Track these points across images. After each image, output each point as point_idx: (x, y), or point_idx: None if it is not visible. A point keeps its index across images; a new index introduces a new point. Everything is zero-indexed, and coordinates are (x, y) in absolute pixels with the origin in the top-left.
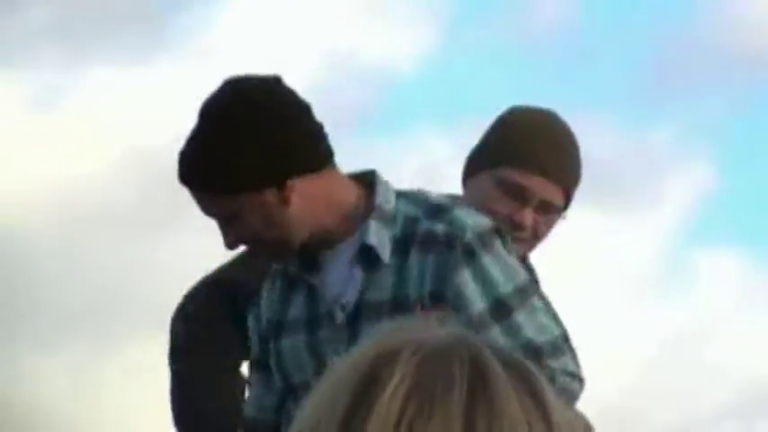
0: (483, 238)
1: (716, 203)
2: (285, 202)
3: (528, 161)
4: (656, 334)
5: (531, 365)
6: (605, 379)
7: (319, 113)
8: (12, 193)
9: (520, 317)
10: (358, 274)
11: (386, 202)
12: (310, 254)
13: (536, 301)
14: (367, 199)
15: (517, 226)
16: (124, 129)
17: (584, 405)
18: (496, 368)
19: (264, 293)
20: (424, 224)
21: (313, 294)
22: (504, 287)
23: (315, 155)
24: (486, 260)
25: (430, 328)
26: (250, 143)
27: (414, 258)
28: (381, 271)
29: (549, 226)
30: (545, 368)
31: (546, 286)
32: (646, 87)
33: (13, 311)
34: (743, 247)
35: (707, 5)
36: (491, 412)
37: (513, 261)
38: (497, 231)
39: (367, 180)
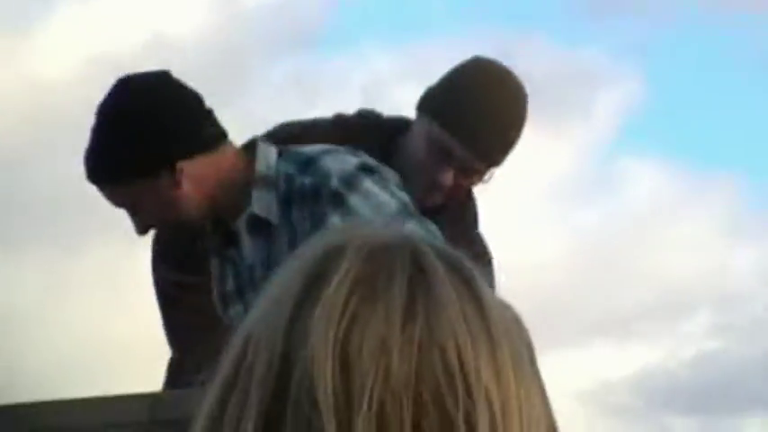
0: (348, 180)
1: (642, 115)
2: (177, 184)
3: (461, 131)
4: (581, 237)
5: (471, 266)
6: (533, 276)
7: (275, 31)
8: None
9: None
10: (257, 243)
11: (267, 167)
12: (227, 228)
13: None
14: (252, 168)
15: (434, 185)
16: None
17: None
18: (436, 264)
19: (212, 269)
20: (298, 180)
21: (236, 266)
22: None
23: (200, 137)
24: (355, 201)
25: (375, 228)
26: (135, 133)
27: (296, 215)
28: (276, 234)
29: (468, 187)
30: None
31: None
32: (577, 11)
33: None
34: (665, 156)
35: None
36: (430, 303)
37: (385, 194)
38: (364, 168)
39: (251, 150)
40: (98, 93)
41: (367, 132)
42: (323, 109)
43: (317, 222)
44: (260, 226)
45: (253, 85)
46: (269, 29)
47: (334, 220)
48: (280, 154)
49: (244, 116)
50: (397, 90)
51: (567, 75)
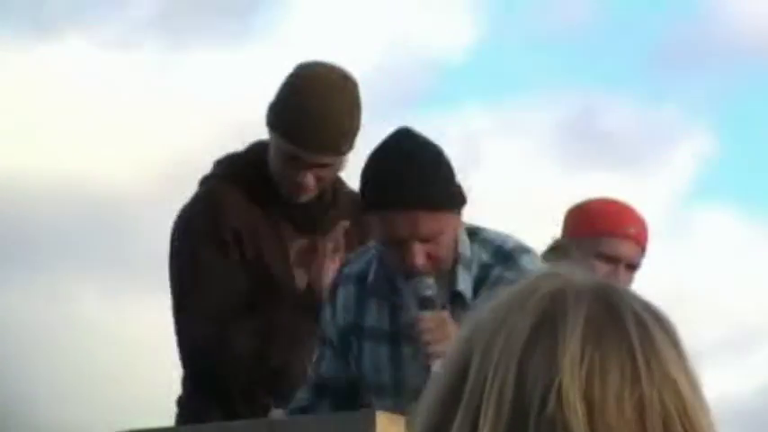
0: None
1: (714, 168)
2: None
3: (295, 135)
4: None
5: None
6: None
7: (383, 93)
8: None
9: None
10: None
11: (466, 249)
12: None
13: None
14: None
15: (299, 187)
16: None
17: None
18: (636, 307)
19: (341, 294)
20: (496, 270)
21: (395, 312)
22: None
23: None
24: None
25: (577, 273)
26: (452, 172)
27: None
28: (465, 310)
29: (334, 172)
30: None
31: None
32: (653, 70)
33: None
34: (737, 205)
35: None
36: (652, 352)
37: None
38: None
39: None
40: None
41: (254, 162)
42: None
43: None
44: (458, 303)
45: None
46: (378, 90)
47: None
48: (468, 235)
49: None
50: (494, 143)
51: (647, 129)
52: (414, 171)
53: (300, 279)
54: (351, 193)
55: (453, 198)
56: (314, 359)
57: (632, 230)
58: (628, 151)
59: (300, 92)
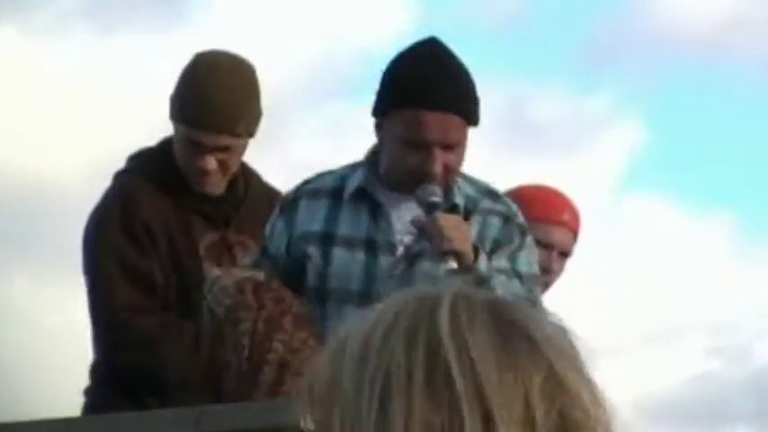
0: (526, 226)
1: (643, 157)
2: None
3: (194, 120)
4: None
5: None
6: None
7: (313, 82)
8: None
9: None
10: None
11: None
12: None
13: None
14: None
15: (202, 173)
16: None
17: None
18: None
19: (303, 205)
20: (485, 203)
21: (376, 221)
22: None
23: None
24: (529, 241)
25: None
26: (476, 86)
27: (475, 221)
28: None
29: (237, 157)
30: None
31: None
32: (582, 65)
33: None
34: (667, 193)
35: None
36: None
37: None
38: None
39: None
40: None
41: (165, 156)
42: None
43: (507, 233)
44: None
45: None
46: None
47: (522, 250)
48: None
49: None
50: None
51: (576, 120)
52: (454, 76)
53: (210, 273)
54: (267, 187)
55: (478, 113)
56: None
57: (566, 217)
58: (558, 141)
59: (194, 77)
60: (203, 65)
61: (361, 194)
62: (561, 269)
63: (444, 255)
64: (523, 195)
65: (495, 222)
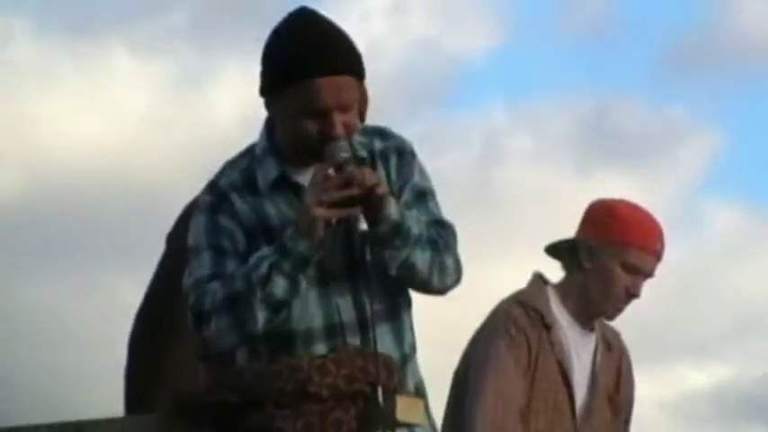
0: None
1: (722, 164)
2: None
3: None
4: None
5: None
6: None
7: (407, 92)
8: None
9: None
10: None
11: None
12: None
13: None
14: None
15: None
16: None
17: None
18: None
19: (234, 197)
20: (377, 144)
21: (300, 198)
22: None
23: None
24: (420, 164)
25: None
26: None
27: (380, 167)
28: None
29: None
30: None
31: None
32: (664, 71)
33: None
34: (744, 199)
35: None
36: None
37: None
38: None
39: None
40: None
41: None
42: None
43: (405, 166)
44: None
45: None
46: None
47: (417, 171)
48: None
49: None
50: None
51: (656, 129)
52: (334, 40)
53: None
54: None
55: (363, 67)
56: (200, 273)
57: (659, 247)
58: (639, 148)
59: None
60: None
61: (280, 182)
62: (641, 288)
63: (382, 199)
64: (621, 216)
65: (393, 160)
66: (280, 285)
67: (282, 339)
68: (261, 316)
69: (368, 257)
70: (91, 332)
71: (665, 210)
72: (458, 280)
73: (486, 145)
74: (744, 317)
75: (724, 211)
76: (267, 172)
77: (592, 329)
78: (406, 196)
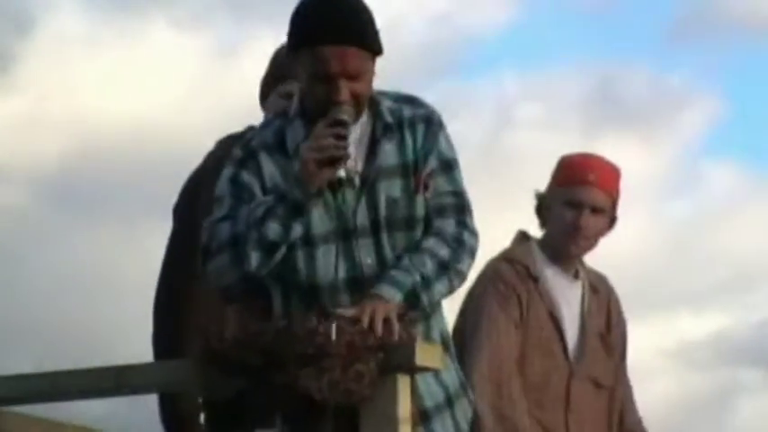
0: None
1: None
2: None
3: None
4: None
5: None
6: (631, 257)
7: (426, 63)
8: None
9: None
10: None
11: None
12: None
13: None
14: None
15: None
16: None
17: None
18: None
19: (263, 157)
20: (406, 111)
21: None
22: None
23: None
24: (448, 133)
25: None
26: (374, 18)
27: (408, 136)
28: (393, 138)
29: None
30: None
31: None
32: (665, 42)
33: None
34: (741, 159)
35: None
36: None
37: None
38: None
39: None
40: None
41: None
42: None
43: (431, 135)
44: (388, 133)
45: None
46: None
47: (442, 139)
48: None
49: None
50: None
51: (659, 96)
52: (349, 12)
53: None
54: None
55: (378, 43)
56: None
57: (591, 177)
58: (643, 114)
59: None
60: None
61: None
62: (601, 224)
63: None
64: (561, 163)
65: (421, 128)
66: (273, 228)
67: (311, 289)
68: (254, 256)
69: (389, 217)
70: (129, 281)
71: (667, 171)
72: (474, 254)
73: (497, 112)
74: (740, 269)
75: (722, 171)
76: (295, 134)
77: (576, 276)
78: (432, 163)
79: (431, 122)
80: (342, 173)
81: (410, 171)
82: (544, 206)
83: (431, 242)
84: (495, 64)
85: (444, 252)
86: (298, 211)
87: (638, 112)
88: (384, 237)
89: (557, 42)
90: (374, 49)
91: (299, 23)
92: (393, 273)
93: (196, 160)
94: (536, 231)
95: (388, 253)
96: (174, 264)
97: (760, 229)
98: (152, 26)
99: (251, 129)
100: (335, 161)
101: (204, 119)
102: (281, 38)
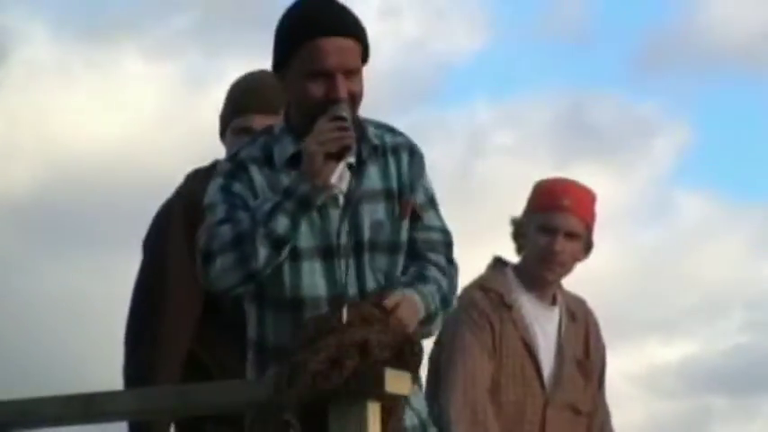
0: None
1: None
2: None
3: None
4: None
5: None
6: (601, 284)
7: (398, 90)
8: None
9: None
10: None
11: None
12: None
13: None
14: None
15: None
16: None
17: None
18: None
19: (253, 169)
20: (388, 137)
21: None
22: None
23: None
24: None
25: None
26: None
27: (391, 162)
28: (379, 160)
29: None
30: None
31: None
32: (636, 71)
33: None
34: (711, 188)
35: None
36: None
37: None
38: None
39: None
40: None
41: None
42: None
43: (416, 166)
44: (374, 155)
45: None
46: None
47: (425, 173)
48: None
49: None
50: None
51: (629, 125)
52: (342, 7)
53: None
54: None
55: (368, 45)
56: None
57: (566, 202)
58: (614, 143)
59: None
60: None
61: (295, 160)
62: (576, 249)
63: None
64: (535, 189)
65: (405, 157)
66: (281, 222)
67: (294, 302)
68: (263, 252)
69: (373, 239)
70: (97, 310)
71: (637, 199)
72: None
73: (470, 139)
74: (710, 296)
75: (692, 199)
76: (284, 149)
77: (554, 302)
78: (421, 197)
79: (414, 152)
80: (341, 174)
81: (394, 197)
82: (520, 232)
83: (434, 273)
84: (468, 92)
85: (445, 287)
86: (306, 205)
87: (610, 141)
88: (366, 258)
89: (528, 71)
90: (366, 44)
91: (288, 25)
92: (420, 287)
93: (167, 190)
94: (512, 257)
95: (369, 275)
96: (145, 295)
97: (729, 256)
98: (123, 55)
99: (217, 163)
100: (342, 152)
101: (174, 147)
102: (252, 66)
